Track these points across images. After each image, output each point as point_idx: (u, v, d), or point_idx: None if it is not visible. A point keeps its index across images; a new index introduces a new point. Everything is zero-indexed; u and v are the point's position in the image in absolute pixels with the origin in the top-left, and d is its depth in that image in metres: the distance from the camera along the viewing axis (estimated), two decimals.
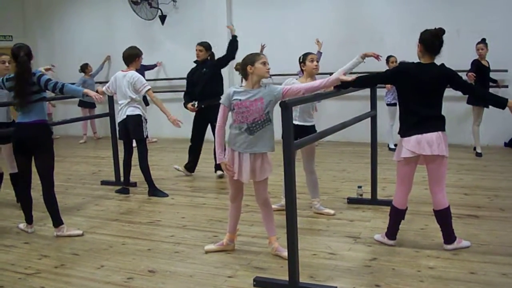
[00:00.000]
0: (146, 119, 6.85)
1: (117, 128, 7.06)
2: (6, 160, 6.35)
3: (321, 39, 9.95)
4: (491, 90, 8.78)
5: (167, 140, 11.68)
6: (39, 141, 5.16)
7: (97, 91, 6.17)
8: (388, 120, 9.38)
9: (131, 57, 6.75)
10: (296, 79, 5.72)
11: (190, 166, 8.10)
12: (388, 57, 9.10)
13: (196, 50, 7.65)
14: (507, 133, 9.71)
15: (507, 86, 9.44)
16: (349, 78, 4.40)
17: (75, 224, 5.78)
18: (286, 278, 3.90)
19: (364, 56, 4.65)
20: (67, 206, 6.52)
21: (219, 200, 6.64)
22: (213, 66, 7.61)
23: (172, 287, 4.11)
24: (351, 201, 6.18)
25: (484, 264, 4.22)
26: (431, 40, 4.31)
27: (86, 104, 12.39)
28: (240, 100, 4.21)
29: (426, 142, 4.28)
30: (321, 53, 9.39)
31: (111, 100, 7.71)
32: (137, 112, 6.71)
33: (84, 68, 12.38)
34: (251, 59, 4.26)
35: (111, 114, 7.70)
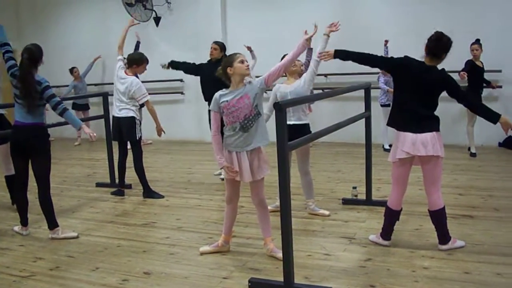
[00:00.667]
0: (140, 121, 6.85)
1: (111, 122, 7.06)
2: (1, 162, 6.34)
3: (316, 42, 9.94)
4: (484, 90, 8.84)
5: (162, 142, 11.66)
6: (36, 144, 5.16)
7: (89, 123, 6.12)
8: (383, 120, 9.39)
9: (135, 61, 6.74)
10: (282, 82, 5.74)
11: None
12: None
13: (211, 48, 7.62)
14: (501, 133, 9.66)
15: (501, 87, 9.48)
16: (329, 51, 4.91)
17: (70, 226, 5.78)
18: (281, 279, 3.90)
19: (328, 32, 5.45)
20: (62, 209, 6.51)
21: (214, 201, 6.64)
22: None
23: None
24: (346, 202, 6.19)
25: (478, 264, 4.23)
26: (433, 44, 4.33)
27: (80, 106, 12.39)
28: (227, 101, 4.26)
29: (421, 143, 4.30)
30: (311, 49, 9.44)
31: (105, 102, 7.70)
32: (131, 114, 6.71)
33: (71, 72, 12.29)
34: (229, 61, 4.32)
35: (105, 117, 7.70)
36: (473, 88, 8.45)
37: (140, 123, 6.89)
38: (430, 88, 4.34)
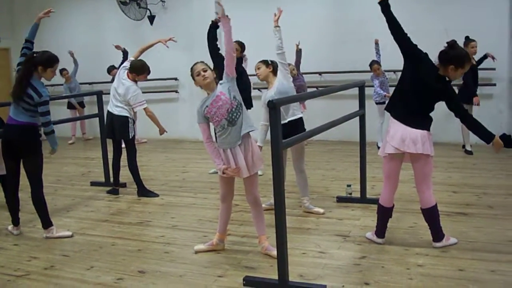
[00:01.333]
0: (133, 120, 6.84)
1: (105, 117, 7.04)
2: None
3: (310, 40, 9.99)
4: (479, 88, 8.86)
5: (157, 141, 11.65)
6: (26, 143, 5.14)
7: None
8: (377, 118, 9.41)
9: (136, 70, 6.68)
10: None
11: None
12: (372, 63, 9.15)
13: None
14: (495, 131, 9.69)
15: (495, 85, 9.52)
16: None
17: (65, 225, 5.77)
18: (276, 277, 3.91)
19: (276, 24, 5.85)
20: (56, 208, 6.51)
21: (209, 200, 6.64)
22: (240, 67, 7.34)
23: (162, 287, 4.11)
24: (340, 199, 6.20)
25: (472, 261, 4.25)
26: (442, 52, 4.33)
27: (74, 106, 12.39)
28: (207, 106, 4.34)
29: (411, 140, 4.31)
30: (300, 49, 9.49)
31: (100, 101, 7.69)
32: (124, 113, 6.69)
33: (61, 73, 12.01)
34: (191, 76, 4.45)
35: (100, 115, 7.68)
36: (468, 86, 8.43)
37: (134, 122, 6.88)
38: (433, 96, 4.34)
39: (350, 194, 6.21)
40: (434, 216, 4.52)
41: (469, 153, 8.78)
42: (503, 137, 9.54)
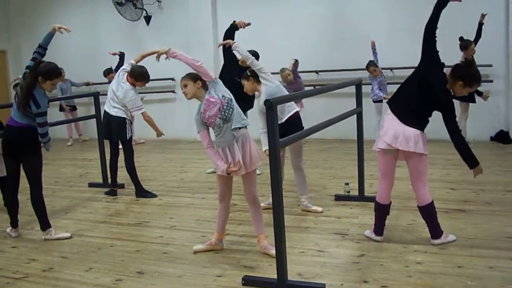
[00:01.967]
0: (131, 121, 6.83)
1: (102, 117, 7.03)
2: None
3: (307, 38, 10.00)
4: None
5: (154, 141, 11.64)
6: (25, 145, 5.14)
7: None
8: (375, 116, 9.40)
9: (135, 76, 6.64)
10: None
11: None
12: (368, 65, 9.12)
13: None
14: (493, 128, 9.78)
15: (491, 81, 9.52)
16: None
17: (63, 227, 5.76)
18: (275, 276, 3.91)
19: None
20: (55, 209, 6.50)
21: (207, 200, 6.64)
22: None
23: (161, 287, 4.11)
24: (338, 198, 6.21)
25: (471, 258, 4.25)
26: (458, 66, 4.35)
27: (69, 107, 12.33)
28: (201, 112, 4.39)
29: (404, 138, 4.33)
30: (296, 61, 9.43)
31: (96, 102, 7.68)
32: (121, 114, 6.66)
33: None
34: None
35: (97, 117, 7.67)
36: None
37: (131, 123, 6.87)
38: (434, 104, 4.36)
39: (348, 192, 6.22)
40: (431, 213, 4.53)
41: None
42: (501, 133, 9.59)
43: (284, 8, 11.22)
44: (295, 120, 5.52)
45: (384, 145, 4.44)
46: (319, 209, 5.80)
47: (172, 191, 7.27)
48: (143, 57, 6.89)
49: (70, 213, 6.44)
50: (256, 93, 5.61)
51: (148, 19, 12.28)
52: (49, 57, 5.40)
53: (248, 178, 4.51)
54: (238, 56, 6.35)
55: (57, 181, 8.33)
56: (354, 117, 5.99)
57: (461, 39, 8.49)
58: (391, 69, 9.84)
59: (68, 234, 5.44)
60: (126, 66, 6.75)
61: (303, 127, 5.52)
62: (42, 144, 5.25)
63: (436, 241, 4.55)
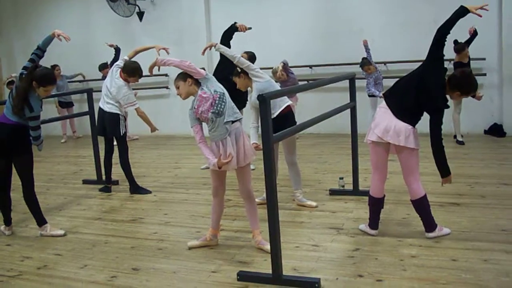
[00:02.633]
0: (124, 117, 6.81)
1: (96, 113, 7.00)
2: None
3: (300, 33, 9.99)
4: None
5: (148, 137, 11.63)
6: (17, 142, 5.12)
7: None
8: (370, 110, 9.40)
9: (127, 72, 6.59)
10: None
11: None
12: (362, 64, 9.09)
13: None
14: (486, 121, 9.81)
15: (485, 74, 9.54)
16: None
17: (58, 224, 5.75)
18: (270, 271, 3.91)
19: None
20: (49, 207, 6.48)
21: (201, 195, 6.63)
22: None
23: (156, 284, 4.10)
24: (333, 192, 6.21)
25: (465, 251, 4.26)
26: (456, 76, 4.38)
27: (63, 104, 12.29)
28: (195, 107, 4.41)
29: (394, 132, 4.35)
30: (285, 63, 9.39)
31: (90, 99, 7.65)
32: (115, 110, 6.64)
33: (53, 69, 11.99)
34: None
35: (90, 113, 7.65)
36: None
37: (125, 119, 6.85)
38: (428, 104, 4.36)
39: (343, 186, 6.22)
40: (424, 207, 4.54)
41: (461, 143, 8.82)
42: (494, 127, 9.62)
43: (277, 3, 11.20)
44: (288, 114, 5.50)
45: (374, 137, 4.47)
46: (314, 203, 5.80)
47: (167, 187, 7.26)
48: (137, 52, 6.88)
49: (64, 210, 6.42)
50: (249, 89, 5.60)
51: (141, 15, 12.23)
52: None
53: (242, 173, 4.51)
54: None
55: (51, 178, 8.31)
56: (348, 112, 5.99)
57: (455, 42, 8.48)
58: (385, 63, 9.82)
59: (62, 232, 5.42)
60: (120, 62, 6.74)
61: (295, 122, 5.50)
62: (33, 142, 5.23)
63: (431, 234, 4.56)
